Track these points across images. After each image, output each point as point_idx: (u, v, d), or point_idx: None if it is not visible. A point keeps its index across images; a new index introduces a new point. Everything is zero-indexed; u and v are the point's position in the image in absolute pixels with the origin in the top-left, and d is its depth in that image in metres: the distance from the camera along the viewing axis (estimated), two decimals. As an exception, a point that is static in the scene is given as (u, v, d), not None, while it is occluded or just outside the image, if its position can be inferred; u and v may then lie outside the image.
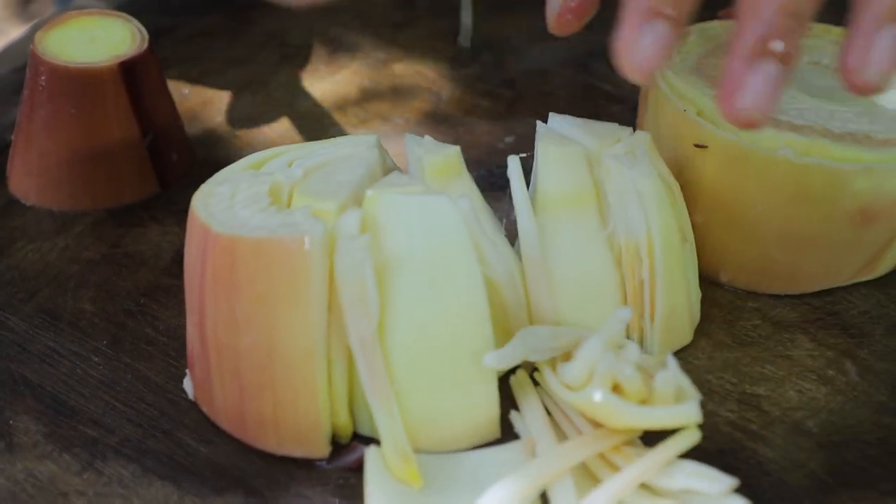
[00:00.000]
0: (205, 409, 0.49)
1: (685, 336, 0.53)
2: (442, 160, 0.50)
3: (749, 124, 0.42)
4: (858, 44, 0.42)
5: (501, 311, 0.49)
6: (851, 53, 0.42)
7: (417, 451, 0.46)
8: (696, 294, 0.54)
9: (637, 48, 0.42)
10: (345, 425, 0.48)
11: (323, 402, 0.46)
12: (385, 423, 0.45)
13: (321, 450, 0.47)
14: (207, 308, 0.46)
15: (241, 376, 0.46)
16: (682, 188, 0.53)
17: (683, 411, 0.44)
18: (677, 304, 0.51)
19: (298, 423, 0.46)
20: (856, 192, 0.50)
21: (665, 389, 0.45)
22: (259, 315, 0.45)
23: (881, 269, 0.56)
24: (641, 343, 0.52)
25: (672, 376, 0.45)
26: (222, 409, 0.48)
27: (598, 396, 0.44)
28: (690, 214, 0.53)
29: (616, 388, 0.45)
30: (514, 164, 0.51)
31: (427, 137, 0.52)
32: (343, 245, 0.45)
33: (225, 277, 0.45)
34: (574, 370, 0.46)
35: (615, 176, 0.50)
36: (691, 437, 0.44)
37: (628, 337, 0.51)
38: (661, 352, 0.51)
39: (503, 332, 0.49)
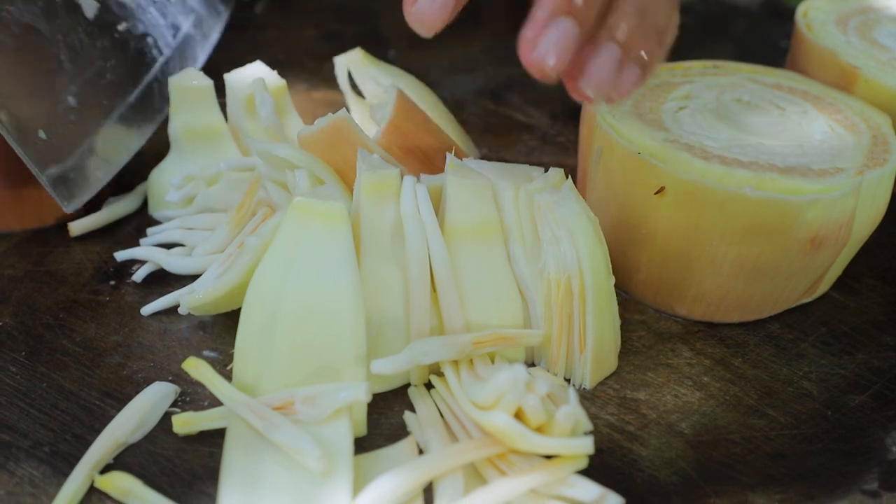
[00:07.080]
0: None
1: (612, 364, 0.55)
2: (378, 179, 0.52)
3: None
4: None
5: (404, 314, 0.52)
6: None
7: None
8: (618, 322, 0.55)
9: (541, 44, 0.45)
10: None
11: None
12: None
13: None
14: None
15: None
16: (637, 228, 0.55)
17: (577, 444, 0.47)
18: (605, 335, 0.53)
19: None
20: (808, 221, 0.52)
21: (565, 423, 0.47)
22: None
23: (820, 290, 0.59)
24: (569, 372, 0.54)
25: (573, 411, 0.47)
26: None
27: (500, 420, 0.47)
28: (646, 253, 0.55)
29: (519, 411, 0.48)
30: (422, 190, 0.53)
31: (375, 155, 0.54)
32: None
33: None
34: (484, 392, 0.48)
35: (546, 213, 0.52)
36: (580, 463, 0.47)
37: (553, 370, 0.54)
38: (592, 381, 0.54)
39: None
